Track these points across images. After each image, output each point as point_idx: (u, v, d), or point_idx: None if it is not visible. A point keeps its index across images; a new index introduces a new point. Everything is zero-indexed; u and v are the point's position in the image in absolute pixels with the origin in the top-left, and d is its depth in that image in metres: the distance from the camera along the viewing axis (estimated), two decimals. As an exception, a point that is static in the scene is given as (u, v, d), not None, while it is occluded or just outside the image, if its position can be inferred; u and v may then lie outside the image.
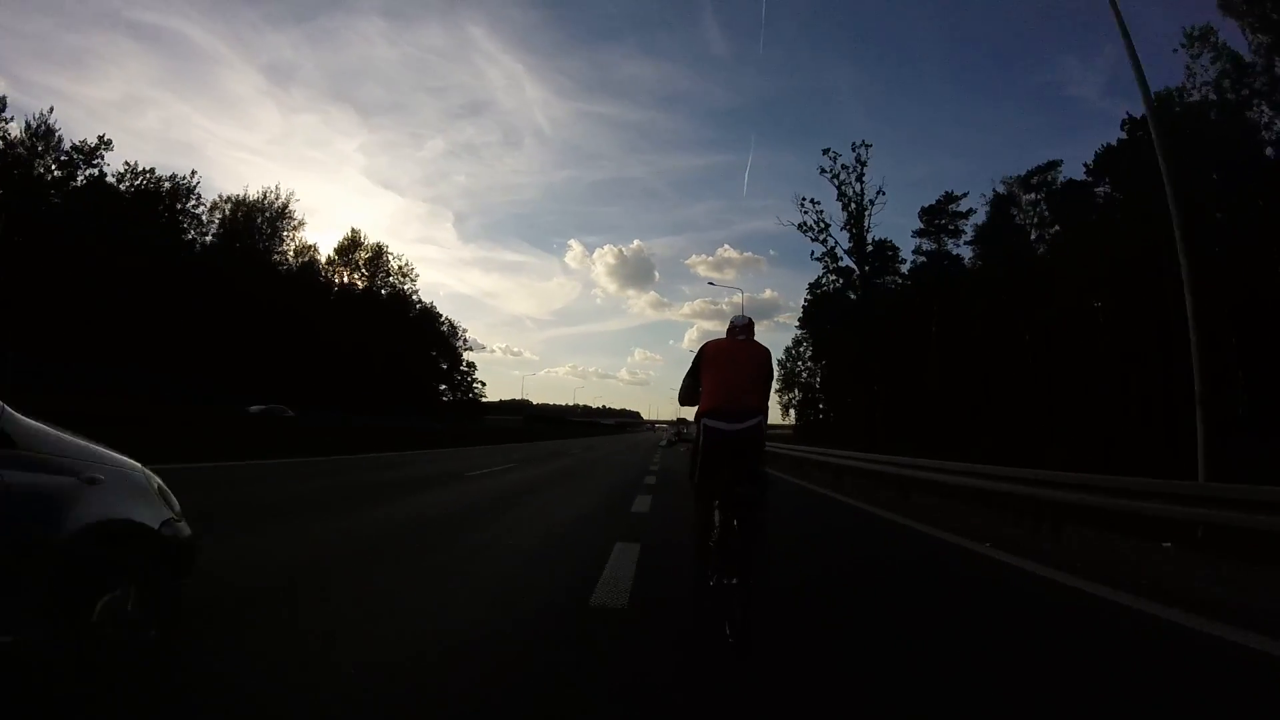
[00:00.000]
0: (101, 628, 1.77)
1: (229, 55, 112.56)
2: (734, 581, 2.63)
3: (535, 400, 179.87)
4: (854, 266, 41.67)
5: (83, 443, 1.96)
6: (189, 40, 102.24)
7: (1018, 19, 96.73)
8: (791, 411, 68.33)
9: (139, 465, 2.19)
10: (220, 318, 36.75)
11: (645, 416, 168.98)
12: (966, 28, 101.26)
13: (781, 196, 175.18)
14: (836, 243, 41.74)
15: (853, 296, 42.79)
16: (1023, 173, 37.50)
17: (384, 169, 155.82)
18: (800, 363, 63.19)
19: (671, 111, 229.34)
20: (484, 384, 72.43)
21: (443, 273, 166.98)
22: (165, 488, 2.28)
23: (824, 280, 45.45)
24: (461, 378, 71.34)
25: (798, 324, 59.73)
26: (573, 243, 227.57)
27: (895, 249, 44.27)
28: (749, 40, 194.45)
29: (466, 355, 70.97)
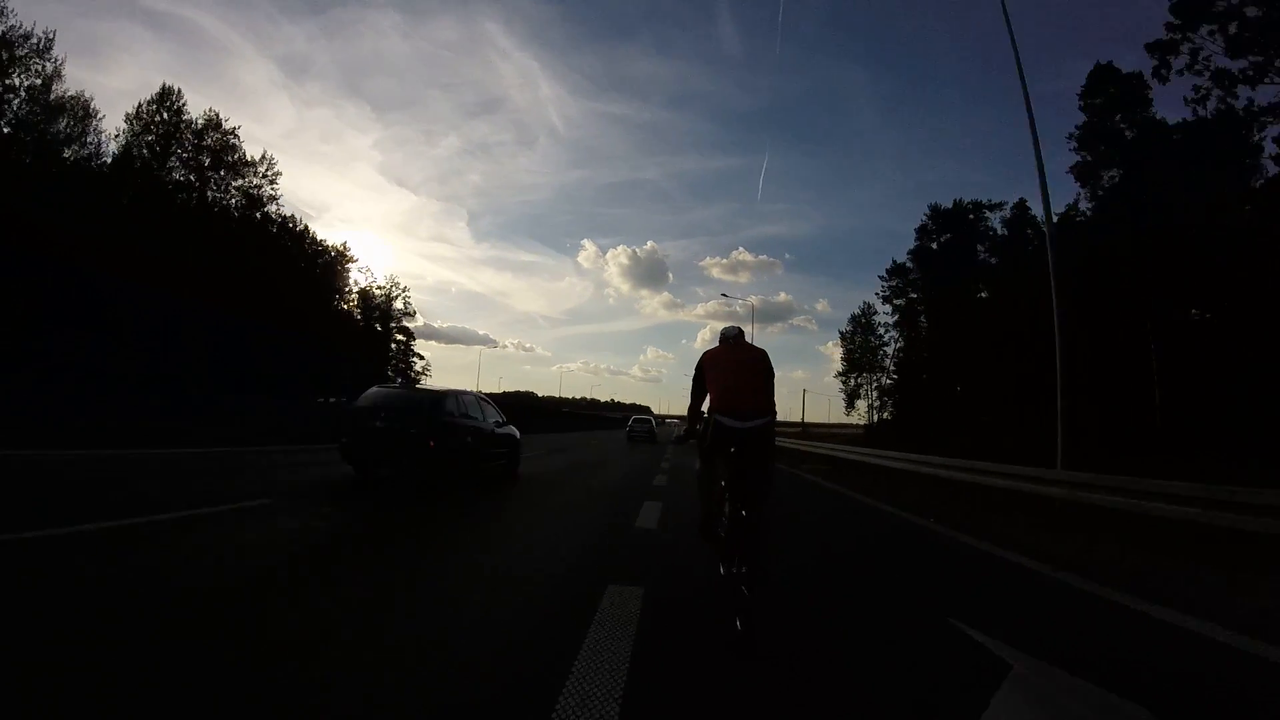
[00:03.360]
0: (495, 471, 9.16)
1: (243, 46, 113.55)
2: (743, 570, 2.82)
3: (541, 393, 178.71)
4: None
5: (505, 423, 9.80)
6: (203, 30, 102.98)
7: (1032, 22, 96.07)
8: (859, 405, 52.98)
9: (513, 428, 10.08)
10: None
11: (656, 411, 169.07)
12: (981, 32, 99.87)
13: (796, 201, 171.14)
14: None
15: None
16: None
17: (397, 166, 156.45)
18: (886, 331, 45.00)
19: (685, 112, 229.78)
20: (423, 357, 55.86)
21: (456, 271, 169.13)
22: (518, 436, 10.20)
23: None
24: (398, 347, 52.06)
25: (893, 266, 42.77)
26: (585, 243, 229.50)
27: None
28: (765, 41, 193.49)
29: (406, 322, 53.35)
